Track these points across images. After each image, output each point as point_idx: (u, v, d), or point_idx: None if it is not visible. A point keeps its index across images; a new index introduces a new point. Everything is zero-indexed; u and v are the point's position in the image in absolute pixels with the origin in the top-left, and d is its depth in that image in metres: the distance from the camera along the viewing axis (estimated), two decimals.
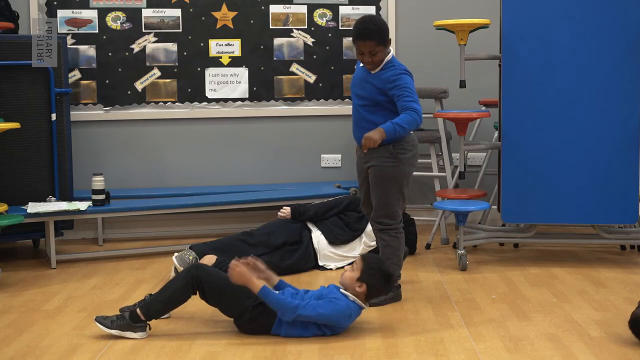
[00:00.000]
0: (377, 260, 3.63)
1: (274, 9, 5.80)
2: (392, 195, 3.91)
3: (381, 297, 3.95)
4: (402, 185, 3.93)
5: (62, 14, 5.65)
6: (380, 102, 3.84)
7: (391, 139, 3.74)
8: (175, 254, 4.43)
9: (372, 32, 3.77)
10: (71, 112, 5.25)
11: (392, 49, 3.90)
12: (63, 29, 5.63)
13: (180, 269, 4.34)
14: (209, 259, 3.69)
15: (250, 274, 3.40)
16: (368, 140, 3.65)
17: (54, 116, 4.99)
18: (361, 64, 3.92)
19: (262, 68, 5.83)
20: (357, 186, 5.48)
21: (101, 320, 3.48)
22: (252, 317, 3.45)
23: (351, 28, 5.78)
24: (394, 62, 3.85)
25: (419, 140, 5.42)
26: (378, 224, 3.98)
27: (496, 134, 5.40)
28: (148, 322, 3.48)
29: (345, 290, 3.51)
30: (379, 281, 3.51)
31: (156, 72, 5.76)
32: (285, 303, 3.38)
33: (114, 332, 3.45)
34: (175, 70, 5.76)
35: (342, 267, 4.69)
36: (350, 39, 5.81)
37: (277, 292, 3.47)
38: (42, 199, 4.96)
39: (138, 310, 3.45)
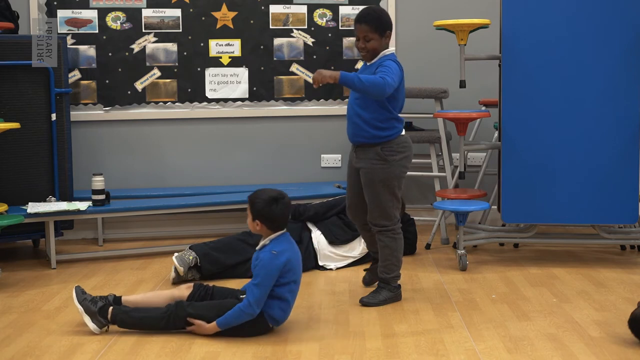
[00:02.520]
0: (255, 193, 3.55)
1: (274, 9, 5.80)
2: (384, 197, 3.90)
3: (381, 297, 3.95)
4: (394, 187, 3.91)
5: (62, 14, 5.65)
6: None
7: (345, 84, 3.65)
8: (175, 254, 4.44)
9: (369, 16, 3.83)
10: (71, 112, 5.26)
11: (393, 47, 3.89)
12: (63, 29, 5.63)
13: (181, 269, 4.35)
14: (188, 287, 3.68)
15: (201, 325, 3.46)
16: (318, 74, 3.62)
17: (54, 116, 4.99)
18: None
19: (262, 68, 5.82)
20: None
21: (78, 292, 3.56)
22: (241, 324, 3.46)
23: (351, 28, 5.83)
24: (390, 56, 3.86)
25: (419, 140, 5.48)
26: (375, 225, 3.98)
27: (496, 134, 5.40)
28: (110, 324, 3.51)
29: (262, 241, 3.52)
30: (265, 207, 3.46)
31: (156, 72, 5.76)
32: (240, 311, 3.41)
33: (79, 307, 3.52)
34: (175, 70, 5.76)
35: (342, 267, 4.69)
36: (351, 39, 5.85)
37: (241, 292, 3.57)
38: (42, 199, 4.96)
39: (110, 309, 3.50)
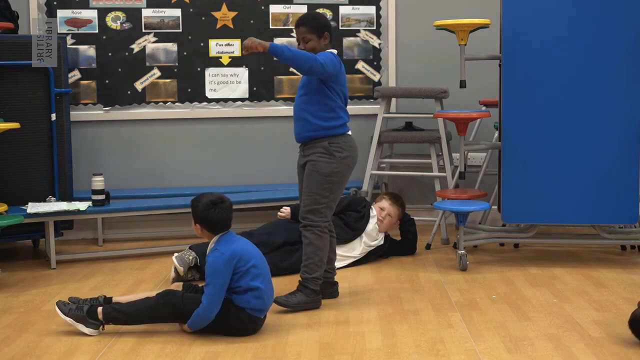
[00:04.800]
0: (196, 197, 3.59)
1: (274, 9, 5.80)
2: (322, 192, 3.87)
3: (295, 300, 3.86)
4: (333, 184, 3.88)
5: (62, 14, 5.65)
6: (313, 86, 3.85)
7: (275, 54, 3.69)
8: (175, 254, 4.43)
9: (306, 19, 3.95)
10: (71, 112, 5.26)
11: (335, 51, 3.91)
12: (63, 29, 5.63)
13: (181, 268, 4.35)
14: (177, 286, 3.72)
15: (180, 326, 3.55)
16: (250, 40, 3.65)
17: (53, 116, 4.99)
18: None
19: (262, 68, 5.82)
20: (357, 186, 5.50)
21: (61, 305, 3.55)
22: (225, 321, 3.46)
23: (351, 28, 5.84)
24: (329, 52, 3.87)
25: (419, 140, 5.48)
26: (303, 219, 3.92)
27: (496, 134, 5.40)
28: (104, 324, 3.52)
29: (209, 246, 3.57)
30: (203, 211, 3.50)
31: (156, 72, 5.76)
32: (198, 315, 3.43)
33: (68, 320, 3.52)
34: (175, 70, 5.76)
35: (342, 267, 4.69)
36: (351, 38, 5.86)
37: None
38: (42, 199, 4.96)
39: (99, 310, 3.50)
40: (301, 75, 4.00)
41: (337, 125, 3.89)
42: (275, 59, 5.71)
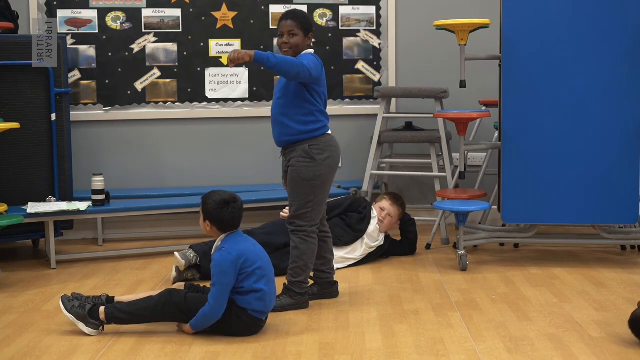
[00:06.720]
0: (208, 194, 3.57)
1: (274, 9, 5.80)
2: (305, 197, 3.84)
3: (279, 302, 3.83)
4: (316, 188, 3.84)
5: (62, 14, 5.65)
6: (291, 90, 3.81)
7: (260, 63, 3.61)
8: (176, 252, 4.43)
9: (296, 14, 3.89)
10: (71, 112, 5.26)
11: (312, 50, 3.88)
12: (63, 29, 5.63)
13: (182, 262, 4.35)
14: (179, 286, 3.73)
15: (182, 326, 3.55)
16: (235, 52, 3.58)
17: (53, 116, 4.99)
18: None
19: (262, 68, 5.80)
20: (357, 186, 5.51)
21: (65, 301, 3.55)
22: (226, 321, 3.46)
23: (351, 28, 5.84)
24: (311, 55, 3.84)
25: (419, 140, 5.48)
26: (290, 224, 3.91)
27: (496, 134, 5.40)
28: (105, 324, 3.51)
29: (215, 243, 3.56)
30: (216, 209, 3.48)
31: (156, 72, 5.76)
32: (204, 314, 3.43)
33: (69, 316, 3.51)
34: (175, 70, 5.76)
35: (343, 269, 4.69)
36: (351, 38, 5.86)
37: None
38: (42, 199, 4.96)
39: (101, 309, 3.49)
40: None
41: (316, 128, 3.86)
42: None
